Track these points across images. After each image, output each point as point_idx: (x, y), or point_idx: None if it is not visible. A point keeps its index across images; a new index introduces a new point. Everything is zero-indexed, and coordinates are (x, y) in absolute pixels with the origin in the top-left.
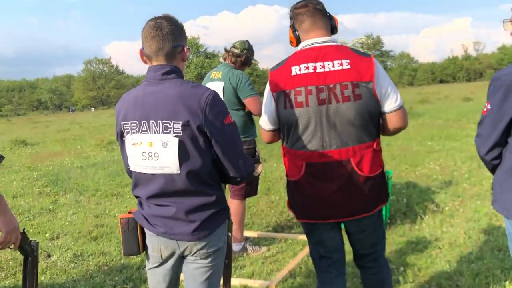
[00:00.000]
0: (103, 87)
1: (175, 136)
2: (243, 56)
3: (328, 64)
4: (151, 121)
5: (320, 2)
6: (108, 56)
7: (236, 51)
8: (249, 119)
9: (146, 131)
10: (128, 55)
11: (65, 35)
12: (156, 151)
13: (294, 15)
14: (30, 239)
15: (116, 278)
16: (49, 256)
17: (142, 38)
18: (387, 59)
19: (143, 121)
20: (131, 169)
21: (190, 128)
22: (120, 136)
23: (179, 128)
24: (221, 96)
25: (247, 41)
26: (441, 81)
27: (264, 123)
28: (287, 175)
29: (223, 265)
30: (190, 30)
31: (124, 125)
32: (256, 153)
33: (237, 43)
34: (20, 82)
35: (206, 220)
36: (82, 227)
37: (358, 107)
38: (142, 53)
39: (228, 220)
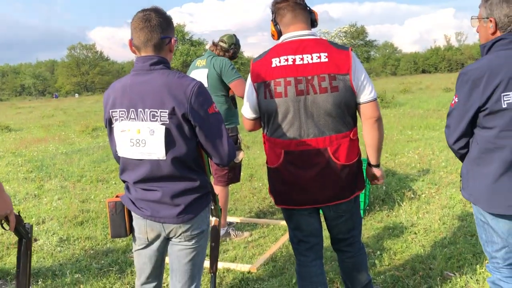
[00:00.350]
0: (87, 73)
1: (162, 124)
2: (231, 51)
3: (307, 57)
4: (139, 109)
5: None
6: (92, 41)
7: (224, 45)
8: (233, 105)
9: (134, 118)
10: (113, 41)
11: (49, 20)
12: (144, 138)
13: (276, 9)
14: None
15: (102, 261)
16: (35, 240)
17: (131, 29)
18: (370, 48)
19: (131, 109)
20: (119, 154)
21: (176, 117)
22: (109, 123)
23: (166, 117)
24: (205, 82)
25: (234, 35)
26: (424, 71)
27: (246, 111)
28: (267, 162)
29: (206, 246)
30: (175, 17)
31: (113, 113)
32: (238, 140)
33: (225, 37)
34: (3, 67)
35: (190, 203)
36: (67, 212)
37: (335, 98)
38: (131, 43)
39: (216, 205)
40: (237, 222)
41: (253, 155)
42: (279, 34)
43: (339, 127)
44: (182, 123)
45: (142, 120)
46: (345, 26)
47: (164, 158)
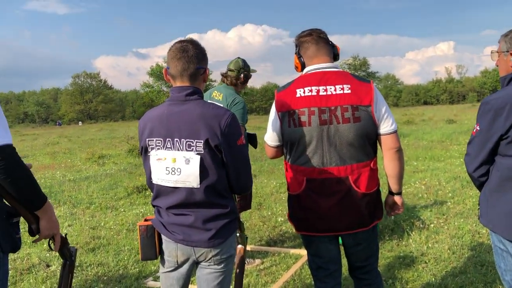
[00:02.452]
0: (91, 101)
1: (197, 153)
2: (241, 76)
3: (330, 88)
4: (175, 139)
5: (323, 32)
6: (97, 70)
7: (233, 73)
8: (250, 141)
9: (170, 148)
10: (118, 70)
11: (55, 49)
12: (179, 167)
13: (300, 42)
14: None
15: (116, 287)
16: (47, 266)
17: (168, 58)
18: (373, 80)
19: (167, 139)
20: (153, 182)
21: (209, 147)
22: (145, 151)
23: (201, 147)
24: None
25: (239, 58)
26: (425, 103)
27: (269, 139)
28: (288, 189)
29: (232, 271)
30: None
31: (149, 142)
32: None
33: (231, 64)
34: (7, 94)
35: (221, 228)
36: (78, 238)
37: (357, 128)
38: (167, 72)
39: (241, 232)
40: (248, 250)
41: (261, 183)
42: (303, 66)
43: (360, 156)
44: (215, 152)
45: (178, 150)
46: (350, 58)
47: (198, 186)
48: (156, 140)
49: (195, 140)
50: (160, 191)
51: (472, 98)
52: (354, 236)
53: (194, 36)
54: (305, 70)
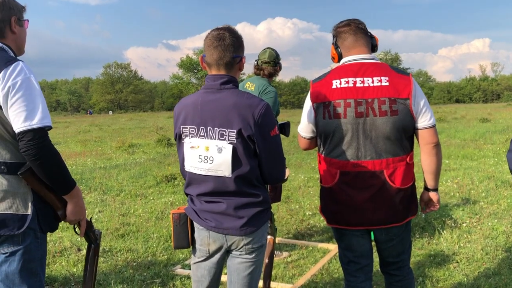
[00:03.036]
0: (121, 91)
1: (230, 143)
2: (278, 66)
3: (368, 80)
4: (208, 128)
5: (362, 22)
6: (127, 60)
7: (269, 65)
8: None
9: (204, 136)
10: (148, 61)
11: (87, 39)
12: (212, 155)
13: (337, 33)
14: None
15: (145, 273)
16: (79, 250)
17: (205, 46)
18: None
19: (201, 127)
20: (186, 169)
21: (242, 136)
22: (179, 138)
23: (233, 136)
24: None
25: (270, 48)
26: (457, 101)
27: (303, 130)
28: (321, 181)
29: (263, 262)
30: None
31: (183, 129)
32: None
33: (264, 56)
34: (40, 82)
35: (253, 217)
36: (108, 224)
37: (394, 121)
38: (203, 60)
39: (272, 223)
40: (275, 243)
41: (289, 177)
42: (340, 57)
43: (397, 150)
44: (248, 143)
45: (211, 138)
46: (381, 53)
47: (230, 175)
48: (190, 127)
49: (228, 130)
50: (192, 179)
51: (507, 97)
52: (387, 231)
53: None
54: (342, 61)
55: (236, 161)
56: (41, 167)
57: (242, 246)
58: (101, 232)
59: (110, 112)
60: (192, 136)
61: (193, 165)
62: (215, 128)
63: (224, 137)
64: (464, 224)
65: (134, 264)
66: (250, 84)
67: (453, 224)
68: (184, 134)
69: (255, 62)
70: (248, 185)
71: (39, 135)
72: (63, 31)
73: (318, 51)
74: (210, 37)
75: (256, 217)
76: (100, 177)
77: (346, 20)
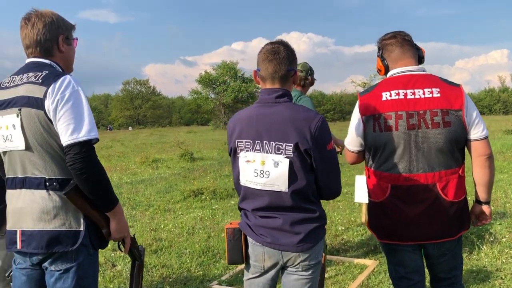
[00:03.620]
0: (140, 107)
1: (286, 157)
2: (309, 78)
3: (419, 92)
4: (264, 142)
5: (407, 34)
6: (146, 77)
7: (302, 74)
8: None
9: (259, 150)
10: (164, 77)
11: (107, 56)
12: (268, 170)
13: (383, 45)
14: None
15: None
16: (113, 265)
17: (259, 60)
18: None
19: (256, 141)
20: (241, 183)
21: (299, 150)
22: (233, 152)
23: (290, 150)
24: None
25: (303, 62)
26: None
27: (351, 144)
28: (370, 196)
29: (318, 279)
30: (225, 55)
31: (238, 143)
32: None
33: (299, 66)
34: None
35: (310, 233)
36: (141, 239)
37: (447, 133)
38: (257, 74)
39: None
40: None
41: None
42: (386, 69)
43: (449, 163)
44: (305, 157)
45: (267, 152)
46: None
47: (286, 190)
48: (245, 141)
49: (284, 143)
50: (247, 193)
51: None
52: (439, 246)
53: (239, 44)
54: (389, 73)
55: (292, 175)
56: (87, 182)
57: (298, 263)
58: (144, 248)
59: (130, 127)
60: (247, 150)
61: (248, 179)
62: (271, 142)
63: (281, 151)
64: (504, 239)
65: (170, 280)
66: None
67: (492, 239)
68: (239, 148)
69: None
70: (304, 200)
71: (86, 149)
72: (84, 49)
73: (334, 65)
74: (265, 51)
75: (312, 233)
76: (127, 192)
77: (391, 32)
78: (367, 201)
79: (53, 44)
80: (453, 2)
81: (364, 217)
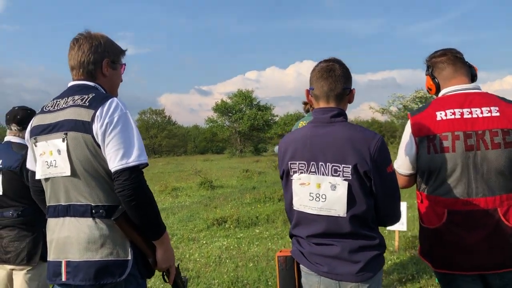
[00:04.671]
0: (156, 136)
1: (344, 179)
2: None
3: (476, 111)
4: (320, 163)
5: (458, 52)
6: (161, 106)
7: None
8: None
9: (315, 172)
10: (179, 106)
11: (123, 87)
12: (324, 193)
13: (433, 63)
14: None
15: None
16: None
17: (313, 79)
18: None
19: (311, 162)
20: (295, 208)
21: (358, 172)
22: (286, 174)
23: (349, 172)
24: None
25: None
26: None
27: (402, 167)
28: (422, 222)
29: None
30: (240, 84)
31: (292, 165)
32: None
33: None
34: None
35: (370, 261)
36: None
37: (509, 154)
38: (309, 93)
39: None
40: None
41: None
42: (438, 88)
43: (511, 186)
44: (364, 179)
45: (323, 174)
46: (421, 91)
47: (345, 215)
48: (299, 163)
49: (342, 165)
50: (301, 219)
51: None
52: (501, 276)
53: (253, 73)
54: (442, 92)
55: (351, 199)
56: (136, 209)
57: None
58: (187, 278)
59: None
60: (301, 172)
61: (303, 203)
62: (327, 164)
63: (338, 173)
64: None
65: None
66: (303, 122)
67: None
68: (292, 170)
69: (303, 105)
70: (364, 226)
71: (136, 174)
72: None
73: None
74: (319, 69)
75: (373, 261)
76: None
77: (441, 50)
78: (401, 229)
79: (97, 67)
80: (464, 29)
81: (396, 244)
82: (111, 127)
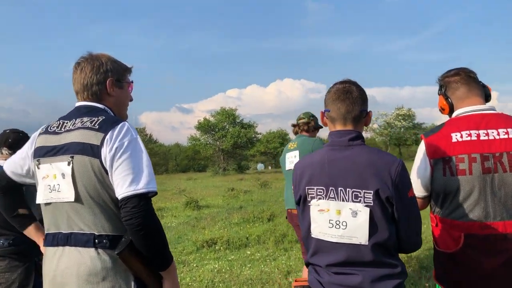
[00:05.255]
0: None
1: (366, 205)
2: (312, 122)
3: (492, 132)
4: (339, 188)
5: (472, 71)
6: (142, 125)
7: (304, 120)
8: None
9: (334, 198)
10: (160, 125)
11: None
12: (345, 220)
13: (446, 83)
14: None
15: None
16: None
17: (328, 101)
18: (419, 131)
19: (330, 188)
20: (313, 235)
21: (380, 198)
22: (303, 201)
23: (370, 198)
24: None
25: (307, 112)
26: None
27: (415, 190)
28: (437, 246)
29: None
30: (221, 102)
31: (309, 190)
32: None
33: (301, 115)
34: None
35: None
36: None
37: None
38: (324, 115)
39: None
40: None
41: None
42: (451, 108)
43: None
44: (386, 205)
45: (343, 200)
46: (403, 109)
47: (366, 243)
48: (317, 188)
49: (363, 190)
50: (319, 247)
51: None
52: None
53: (234, 91)
54: (456, 113)
55: (373, 226)
56: (144, 239)
57: None
58: None
59: None
60: (320, 198)
61: (322, 230)
62: (347, 189)
63: (359, 198)
64: None
65: None
66: (292, 144)
67: None
68: (310, 195)
69: (292, 127)
70: (386, 254)
71: (144, 202)
72: None
73: None
74: (335, 91)
75: None
76: None
77: (454, 69)
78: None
79: (101, 87)
80: (440, 47)
81: None
82: (120, 152)
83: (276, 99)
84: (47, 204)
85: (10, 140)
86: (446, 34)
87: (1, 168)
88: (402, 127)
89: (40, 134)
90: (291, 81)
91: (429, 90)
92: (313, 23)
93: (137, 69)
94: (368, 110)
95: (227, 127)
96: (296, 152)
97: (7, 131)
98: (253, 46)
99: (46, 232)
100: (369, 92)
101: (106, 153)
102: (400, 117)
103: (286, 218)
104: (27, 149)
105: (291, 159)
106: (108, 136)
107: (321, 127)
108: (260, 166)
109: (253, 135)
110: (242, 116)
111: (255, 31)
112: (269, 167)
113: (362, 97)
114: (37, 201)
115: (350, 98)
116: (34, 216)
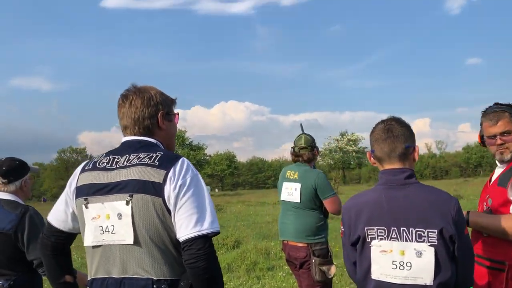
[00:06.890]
0: None
1: (431, 245)
2: (315, 150)
3: None
4: (401, 228)
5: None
6: (81, 145)
7: (307, 150)
8: (325, 219)
9: (396, 238)
10: (101, 145)
11: (41, 124)
12: (409, 260)
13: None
14: None
15: None
16: None
17: (373, 140)
18: (362, 155)
19: (392, 228)
20: (373, 277)
21: (443, 237)
22: (362, 241)
23: (434, 237)
24: (298, 197)
25: (306, 134)
26: None
27: None
28: None
29: None
30: None
31: (369, 231)
32: (329, 254)
33: (300, 142)
34: None
35: None
36: None
37: None
38: (371, 155)
39: None
40: None
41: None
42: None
43: None
44: (448, 244)
45: (406, 240)
46: (356, 134)
47: (431, 283)
48: (377, 229)
49: (427, 230)
50: None
51: (455, 173)
52: None
53: (179, 111)
54: None
55: (438, 266)
56: (209, 283)
57: None
58: None
59: None
60: (381, 239)
61: (384, 272)
62: (410, 229)
63: (423, 238)
64: None
65: None
66: (291, 172)
67: None
68: (369, 236)
69: (292, 150)
70: None
71: (209, 243)
72: (17, 116)
73: (271, 132)
74: (378, 131)
75: None
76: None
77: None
78: None
79: (153, 121)
80: (379, 75)
81: None
82: (184, 190)
83: (220, 121)
84: (95, 246)
85: (4, 168)
86: (382, 63)
87: (47, 220)
88: (353, 151)
89: (85, 170)
90: (235, 103)
91: (367, 115)
92: (260, 46)
93: (77, 86)
94: (415, 145)
95: (176, 149)
96: (298, 185)
97: (3, 158)
98: (197, 67)
99: (92, 277)
100: (311, 116)
101: (170, 191)
102: (351, 142)
103: (282, 250)
104: (67, 190)
105: (290, 191)
106: (171, 173)
107: (318, 153)
108: (209, 189)
109: (202, 157)
110: (191, 138)
111: (200, 53)
112: (216, 190)
113: (405, 134)
114: (85, 244)
115: (391, 136)
116: (76, 284)
